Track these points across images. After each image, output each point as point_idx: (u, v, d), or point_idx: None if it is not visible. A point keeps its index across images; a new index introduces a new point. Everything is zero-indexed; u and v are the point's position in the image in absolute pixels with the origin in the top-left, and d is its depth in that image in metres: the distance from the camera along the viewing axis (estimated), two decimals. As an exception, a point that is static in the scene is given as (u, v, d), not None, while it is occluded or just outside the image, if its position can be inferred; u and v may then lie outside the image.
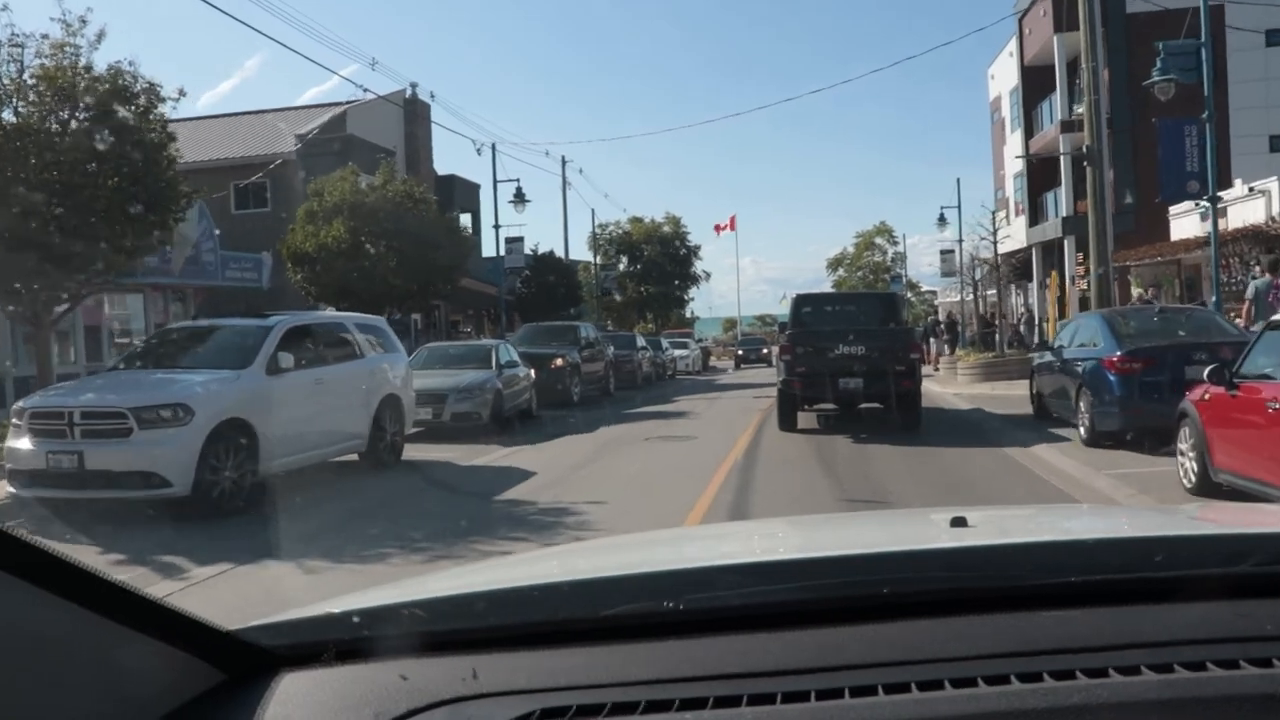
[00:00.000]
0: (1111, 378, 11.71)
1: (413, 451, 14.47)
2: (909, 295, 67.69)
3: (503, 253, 34.39)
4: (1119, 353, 11.79)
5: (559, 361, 23.46)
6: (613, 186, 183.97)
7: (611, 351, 28.19)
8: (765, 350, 48.94)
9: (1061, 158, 37.06)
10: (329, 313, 16.57)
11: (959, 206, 39.60)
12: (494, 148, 32.20)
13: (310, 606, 1.52)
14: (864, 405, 15.89)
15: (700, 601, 1.41)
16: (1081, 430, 12.53)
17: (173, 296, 25.88)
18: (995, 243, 26.84)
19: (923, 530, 2.12)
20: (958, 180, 43.83)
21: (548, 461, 13.69)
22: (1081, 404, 12.46)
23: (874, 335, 15.46)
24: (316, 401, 11.67)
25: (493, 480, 11.97)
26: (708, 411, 20.97)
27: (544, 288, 38.63)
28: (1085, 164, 20.15)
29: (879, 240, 73.61)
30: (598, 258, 48.63)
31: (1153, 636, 1.29)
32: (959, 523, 1.74)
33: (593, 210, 56.56)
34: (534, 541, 8.09)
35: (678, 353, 42.03)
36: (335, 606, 1.50)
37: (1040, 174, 40.23)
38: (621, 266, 59.71)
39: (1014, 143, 44.02)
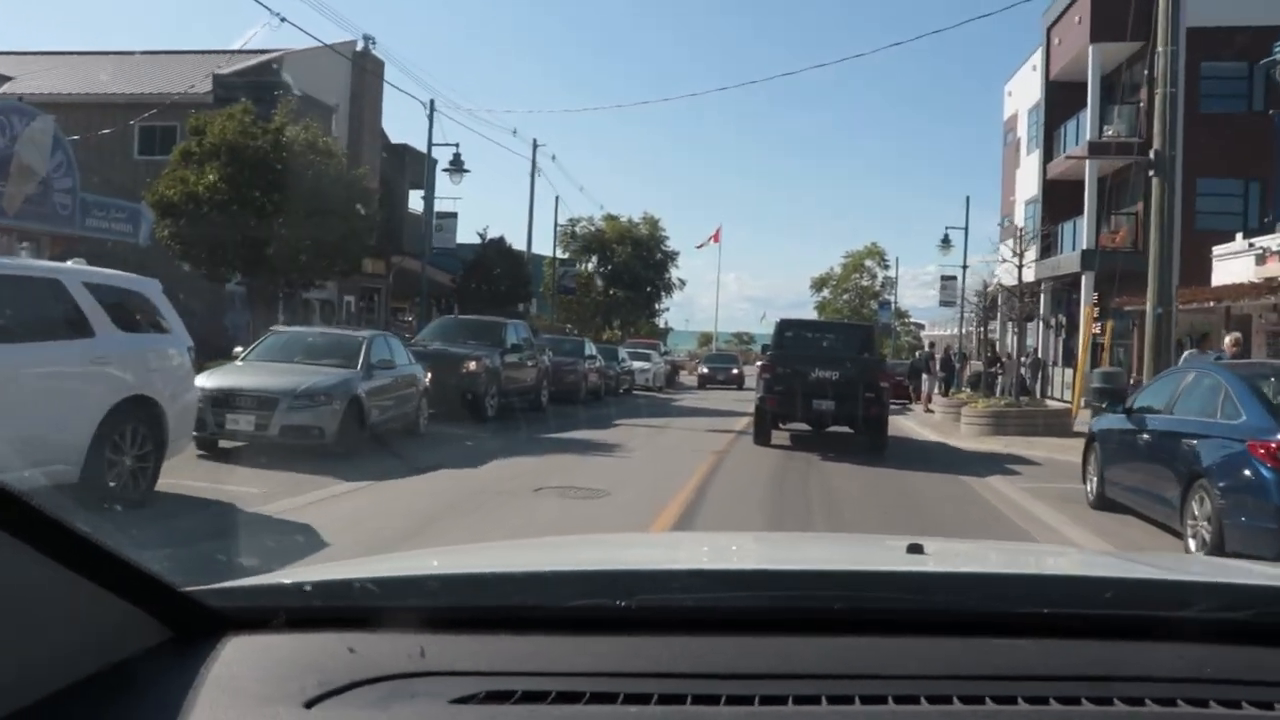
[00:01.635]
0: (1269, 475, 7.22)
1: (191, 479, 9.91)
2: (895, 325, 63.35)
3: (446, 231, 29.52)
4: (1281, 436, 7.34)
5: (470, 365, 18.84)
6: (596, 192, 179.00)
7: (549, 358, 23.57)
8: (736, 371, 43.80)
9: (1086, 184, 32.97)
10: (39, 262, 11.79)
11: (966, 228, 35.31)
12: (431, 104, 27.62)
13: (265, 575, 1.52)
14: (833, 429, 16.84)
15: (653, 600, 1.43)
16: (1191, 543, 8.08)
17: (17, 242, 21.06)
18: (1020, 266, 22.31)
19: (879, 553, 2.15)
20: (967, 199, 39.17)
21: (370, 518, 9.16)
22: (1199, 505, 7.97)
23: (848, 363, 16.49)
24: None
25: (251, 547, 7.37)
26: (646, 446, 16.36)
27: (487, 278, 33.89)
28: (1151, 173, 15.82)
29: (869, 263, 69.12)
30: (557, 250, 43.44)
31: (1095, 670, 1.32)
32: (915, 549, 1.80)
33: (557, 197, 50.99)
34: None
35: (637, 365, 37.33)
36: (288, 576, 1.49)
37: (1057, 202, 36.00)
38: (590, 266, 55.12)
39: (1029, 166, 39.80)
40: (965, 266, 35.99)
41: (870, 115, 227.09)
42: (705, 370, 45.04)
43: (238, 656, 1.28)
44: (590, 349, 29.01)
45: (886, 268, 69.30)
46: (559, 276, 42.85)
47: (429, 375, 16.44)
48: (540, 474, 12.21)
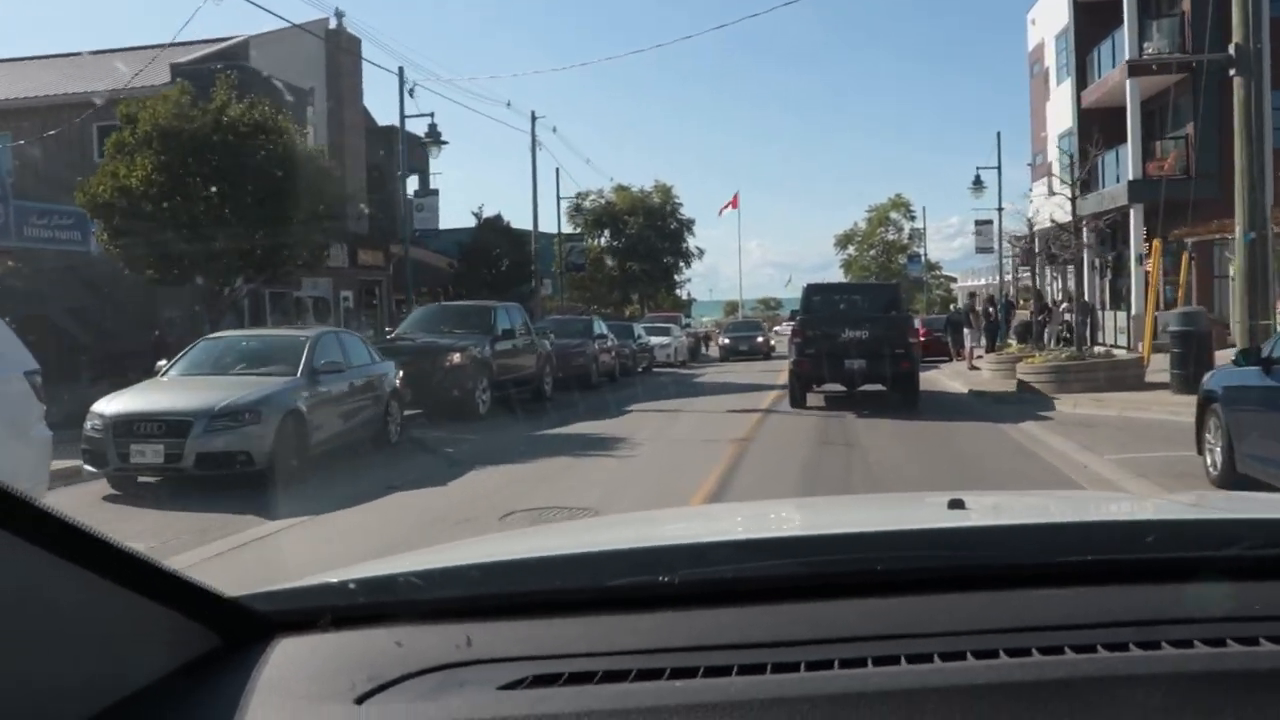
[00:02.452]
0: None
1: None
2: (926, 278, 60.59)
3: (433, 215, 27.22)
4: None
5: (455, 358, 16.62)
6: (605, 167, 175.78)
7: (549, 343, 21.28)
8: (761, 339, 39.80)
9: (1129, 107, 30.22)
10: None
11: (999, 167, 32.56)
12: (401, 71, 25.30)
13: (308, 577, 1.51)
14: (866, 388, 16.86)
15: (695, 574, 1.42)
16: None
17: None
18: (1075, 198, 19.72)
19: (919, 512, 2.14)
20: (998, 135, 36.00)
21: (279, 571, 6.86)
22: None
23: (876, 322, 16.80)
24: None
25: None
26: (657, 438, 14.05)
27: (486, 259, 31.55)
28: (1232, 72, 13.34)
29: (894, 215, 66.07)
30: (562, 227, 40.59)
31: (1142, 615, 1.30)
32: (956, 504, 1.78)
33: (557, 169, 47.28)
34: None
35: (656, 341, 34.95)
36: (333, 576, 1.49)
37: (1095, 132, 33.14)
38: (602, 240, 52.75)
39: (1061, 97, 36.99)
40: (1001, 209, 33.29)
41: (881, 72, 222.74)
42: (726, 341, 40.85)
43: (287, 658, 1.29)
44: (600, 328, 26.66)
45: (913, 219, 66.24)
46: (566, 253, 40.17)
47: (403, 373, 14.23)
48: (518, 489, 9.95)
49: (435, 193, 29.87)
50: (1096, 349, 27.11)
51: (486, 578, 1.49)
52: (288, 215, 16.69)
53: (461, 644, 1.28)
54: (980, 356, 25.81)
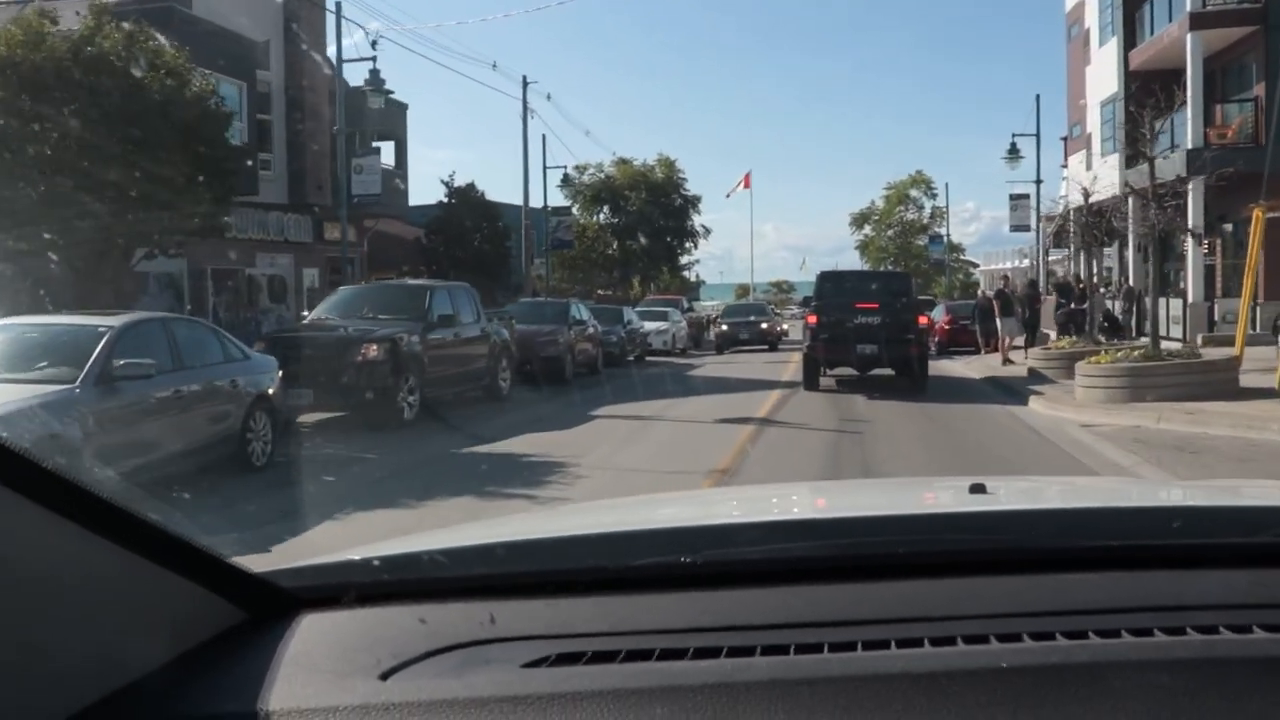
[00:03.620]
0: None
1: None
2: (948, 260, 56.83)
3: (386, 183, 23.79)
4: None
5: (369, 350, 13.23)
6: (616, 146, 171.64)
7: (506, 331, 17.84)
8: (766, 325, 33.50)
9: (1189, 67, 26.50)
10: None
11: (1037, 134, 28.82)
12: (339, 5, 21.71)
13: (333, 553, 1.51)
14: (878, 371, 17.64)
15: (719, 555, 1.42)
16: None
17: None
18: (1152, 159, 16.05)
19: (942, 495, 2.13)
20: (1036, 98, 31.32)
21: None
22: None
23: (887, 308, 17.39)
24: None
25: None
26: (605, 468, 10.43)
27: (459, 234, 28.02)
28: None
29: (914, 193, 62.04)
30: (549, 198, 36.58)
31: (1166, 601, 1.29)
32: (978, 489, 1.75)
33: (544, 135, 42.29)
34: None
35: (651, 327, 31.46)
36: (356, 553, 1.50)
37: (1144, 97, 29.42)
38: (601, 217, 49.24)
39: (1104, 59, 33.25)
40: (1040, 181, 29.59)
41: (898, 53, 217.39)
42: (724, 328, 33.63)
43: (312, 634, 1.29)
44: (580, 312, 23.19)
45: (934, 197, 62.07)
46: (552, 229, 36.33)
47: (302, 370, 10.92)
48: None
49: (376, 151, 26.18)
50: (1143, 340, 23.79)
51: (511, 556, 1.50)
52: (160, 169, 13.24)
53: (485, 622, 1.28)
54: (1016, 348, 22.22)
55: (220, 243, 27.55)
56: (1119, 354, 14.21)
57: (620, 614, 1.31)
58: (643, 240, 47.91)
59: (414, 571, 1.45)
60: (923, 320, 18.14)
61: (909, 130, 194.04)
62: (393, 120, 33.99)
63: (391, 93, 23.92)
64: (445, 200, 30.18)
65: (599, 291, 48.20)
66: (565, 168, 35.10)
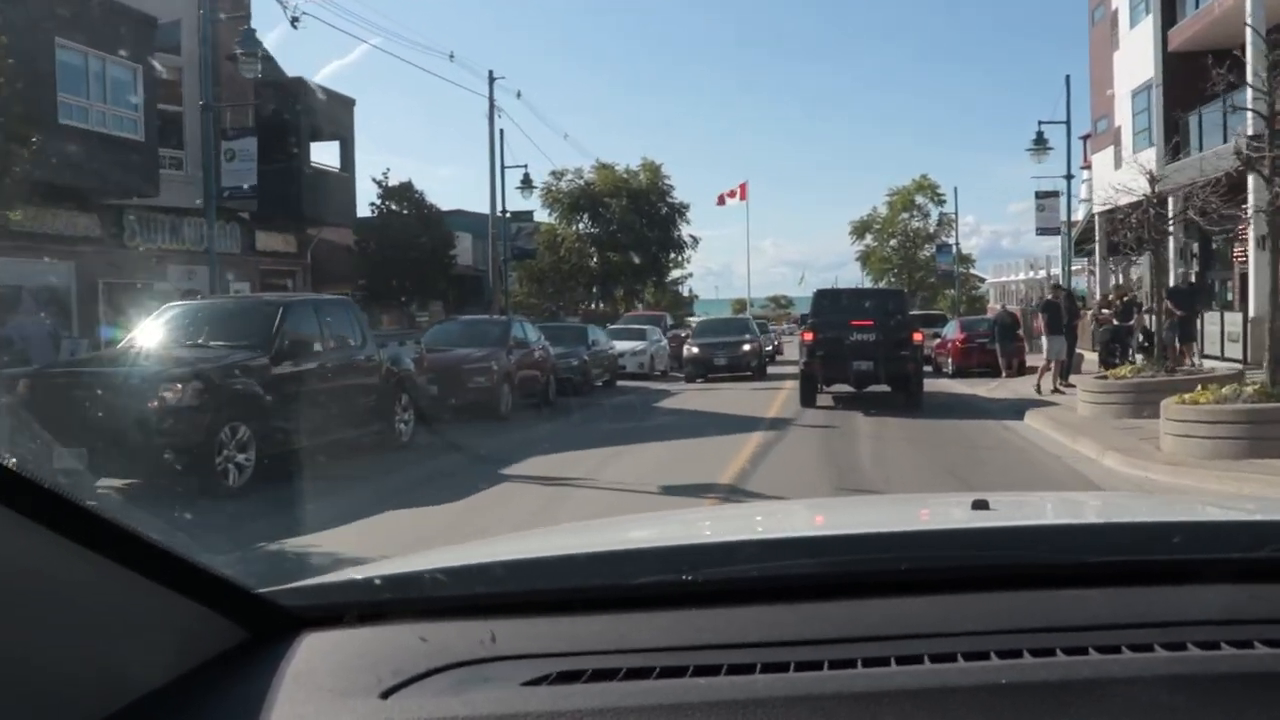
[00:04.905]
0: None
1: None
2: (958, 270, 52.86)
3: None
4: None
5: (172, 393, 9.36)
6: (603, 154, 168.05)
7: (412, 358, 13.94)
8: (749, 347, 26.36)
9: (1248, 39, 22.70)
10: None
11: (1068, 121, 24.92)
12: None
13: (334, 572, 1.52)
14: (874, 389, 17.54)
15: (717, 573, 1.42)
16: None
17: None
18: (1274, 113, 11.99)
19: (944, 512, 2.11)
20: (1067, 78, 26.38)
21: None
22: None
23: (882, 326, 17.42)
24: None
25: None
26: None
27: (396, 242, 24.03)
28: None
29: (920, 199, 57.82)
30: (505, 206, 31.54)
31: (1167, 616, 1.30)
32: (980, 505, 1.74)
33: (500, 131, 34.62)
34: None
35: (625, 347, 27.54)
36: (358, 572, 1.52)
37: (1186, 81, 25.61)
38: (580, 226, 45.38)
39: (1136, 43, 29.45)
40: (1070, 176, 25.63)
41: (898, 68, 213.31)
42: (696, 350, 26.25)
43: (313, 653, 1.30)
44: (526, 332, 19.31)
45: (942, 203, 57.81)
46: (512, 236, 32.04)
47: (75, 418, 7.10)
48: None
49: (251, 133, 22.19)
50: (1206, 362, 19.92)
51: (510, 575, 1.49)
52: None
53: (485, 640, 1.28)
54: (1050, 369, 18.26)
55: (120, 251, 23.91)
56: (1223, 390, 10.26)
57: (620, 632, 1.30)
58: (624, 252, 43.98)
59: (414, 591, 1.45)
60: (917, 337, 18.05)
61: (907, 144, 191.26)
62: (336, 116, 30.24)
63: (268, 57, 19.86)
64: (377, 203, 26.16)
65: (581, 307, 44.36)
66: (525, 166, 30.37)
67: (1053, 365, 18.26)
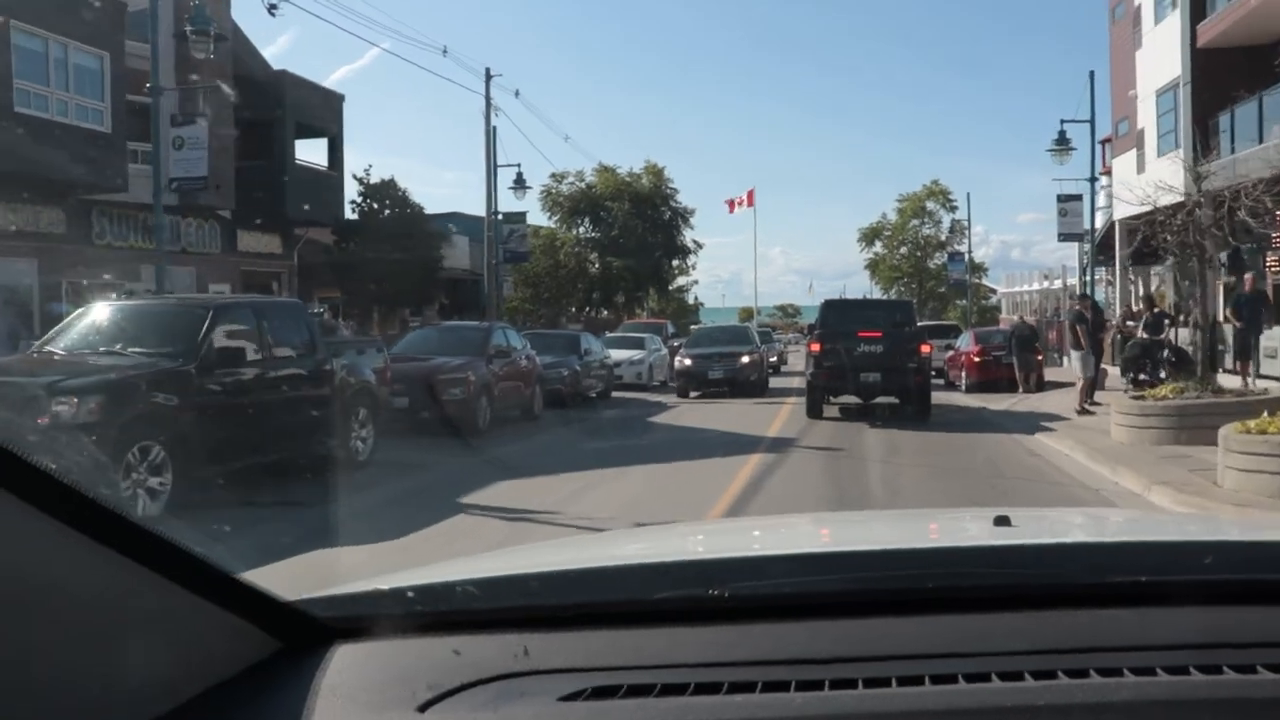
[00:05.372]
0: None
1: None
2: (970, 280, 51.39)
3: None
4: None
5: (65, 408, 8.00)
6: (607, 159, 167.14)
7: (374, 368, 12.58)
8: (749, 358, 23.47)
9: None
10: None
11: (1091, 120, 23.49)
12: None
13: (365, 581, 1.49)
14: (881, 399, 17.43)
15: (747, 589, 1.41)
16: None
17: None
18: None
19: (968, 528, 2.09)
20: (1090, 74, 24.91)
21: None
22: None
23: (890, 337, 17.14)
24: None
25: None
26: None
27: (374, 242, 22.64)
28: None
29: (931, 205, 56.21)
30: (498, 207, 29.86)
31: (1202, 638, 1.27)
32: (1002, 521, 1.72)
33: (494, 129, 31.98)
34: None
35: (622, 356, 26.14)
36: (390, 583, 1.48)
37: (1217, 78, 24.21)
38: (581, 230, 44.05)
39: (1160, 40, 28.06)
40: (1094, 179, 24.17)
41: (907, 75, 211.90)
42: (688, 363, 23.39)
43: (347, 665, 1.28)
44: (509, 339, 17.93)
45: (954, 210, 56.11)
46: (504, 238, 30.53)
47: None
48: None
49: (202, 117, 20.82)
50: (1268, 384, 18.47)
51: (544, 588, 1.48)
52: None
53: (520, 654, 1.27)
54: (1080, 385, 16.81)
55: (88, 249, 22.63)
56: (1292, 415, 8.85)
57: (654, 647, 1.29)
58: (625, 257, 42.56)
59: (447, 603, 1.43)
60: (925, 348, 17.67)
61: (915, 153, 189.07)
62: (322, 112, 28.93)
63: (223, 39, 18.55)
64: (358, 201, 24.78)
65: (583, 314, 43.03)
66: (518, 165, 28.85)
67: (1083, 384, 16.80)
